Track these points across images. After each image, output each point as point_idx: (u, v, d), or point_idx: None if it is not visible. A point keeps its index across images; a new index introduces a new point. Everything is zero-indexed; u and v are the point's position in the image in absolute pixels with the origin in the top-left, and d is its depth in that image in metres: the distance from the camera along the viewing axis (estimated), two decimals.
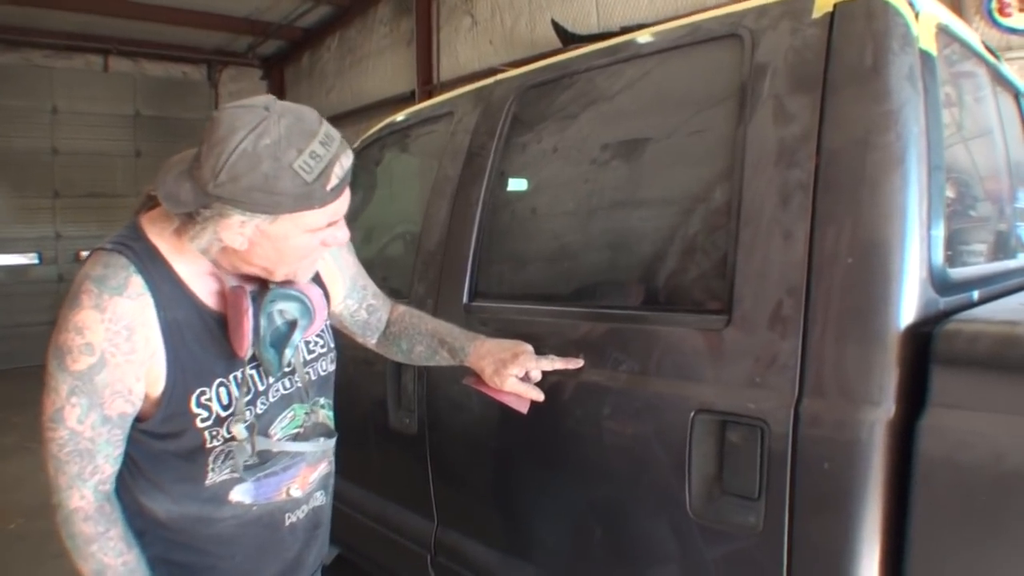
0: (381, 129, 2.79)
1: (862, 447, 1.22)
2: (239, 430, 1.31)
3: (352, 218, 1.32)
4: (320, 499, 1.53)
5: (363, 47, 9.07)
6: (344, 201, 1.22)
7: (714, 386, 1.40)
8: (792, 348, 1.30)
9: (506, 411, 1.63)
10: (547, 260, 1.94)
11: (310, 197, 1.15)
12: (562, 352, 1.63)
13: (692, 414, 1.42)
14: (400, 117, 2.74)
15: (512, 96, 2.11)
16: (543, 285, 1.93)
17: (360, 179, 2.91)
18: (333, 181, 1.16)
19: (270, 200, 1.13)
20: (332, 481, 1.58)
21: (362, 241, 2.83)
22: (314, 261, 1.34)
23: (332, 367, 1.54)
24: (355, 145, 2.85)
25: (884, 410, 1.21)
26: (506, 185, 2.06)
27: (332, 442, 1.52)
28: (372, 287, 1.70)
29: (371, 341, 1.73)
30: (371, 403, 2.41)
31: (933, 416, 1.17)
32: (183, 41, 9.85)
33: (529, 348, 1.56)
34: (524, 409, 1.56)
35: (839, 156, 1.31)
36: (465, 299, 2.05)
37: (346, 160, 1.18)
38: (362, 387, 2.47)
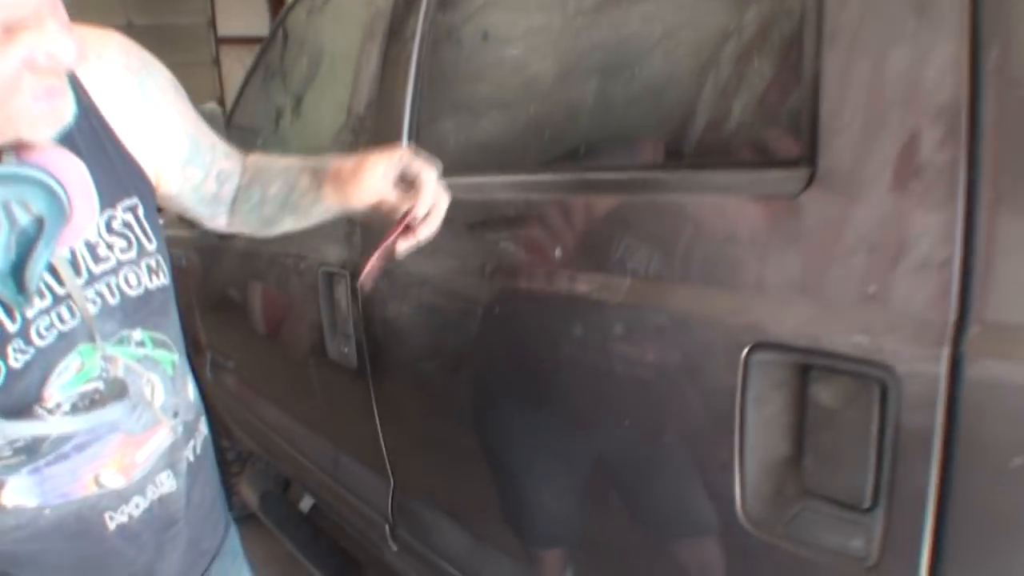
0: None
1: None
2: None
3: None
4: (169, 484, 0.99)
5: None
6: None
7: (784, 302, 0.76)
8: (944, 226, 0.66)
9: (470, 337, 1.11)
10: (507, 106, 1.27)
11: None
12: (537, 247, 1.01)
13: (745, 351, 0.78)
14: None
15: None
16: (504, 144, 1.27)
17: (293, 33, 2.24)
18: None
19: None
20: (198, 454, 1.05)
21: (291, 116, 2.18)
22: (33, 105, 0.73)
23: (159, 281, 0.94)
24: None
25: None
26: (447, 3, 1.38)
27: (162, 401, 0.95)
28: (223, 146, 1.10)
29: (222, 220, 1.14)
30: (307, 324, 1.81)
31: None
32: None
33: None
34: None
35: None
36: None
37: None
38: (294, 299, 1.87)
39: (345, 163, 1.02)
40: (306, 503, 2.75)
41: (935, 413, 0.66)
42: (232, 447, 3.09)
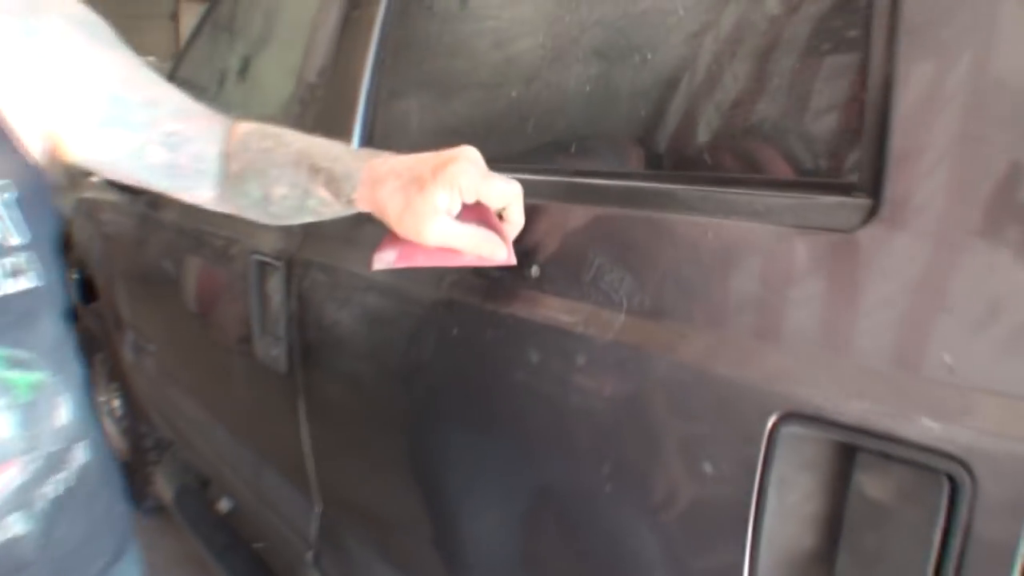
0: None
1: None
2: None
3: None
4: (19, 527, 0.79)
5: None
6: None
7: (829, 364, 0.60)
8: None
9: (419, 357, 0.95)
10: (484, 87, 1.09)
11: None
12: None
13: (771, 421, 0.62)
14: None
15: None
16: (477, 132, 1.08)
17: None
18: None
19: None
20: (70, 486, 0.85)
21: (236, 78, 1.97)
22: None
23: (23, 284, 0.75)
24: None
25: None
26: None
27: (8, 435, 0.75)
28: (171, 104, 0.87)
29: (203, 194, 0.91)
30: (234, 317, 1.61)
31: None
32: None
33: (474, 152, 0.78)
34: (502, 259, 0.77)
35: None
36: None
37: None
38: (222, 286, 1.67)
39: (383, 181, 0.78)
40: (226, 504, 2.54)
41: (1022, 523, 0.51)
42: (151, 433, 2.87)
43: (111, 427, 3.32)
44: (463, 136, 1.08)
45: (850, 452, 0.59)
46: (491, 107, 1.06)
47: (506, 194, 0.77)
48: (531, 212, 0.84)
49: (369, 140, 1.23)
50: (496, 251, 0.75)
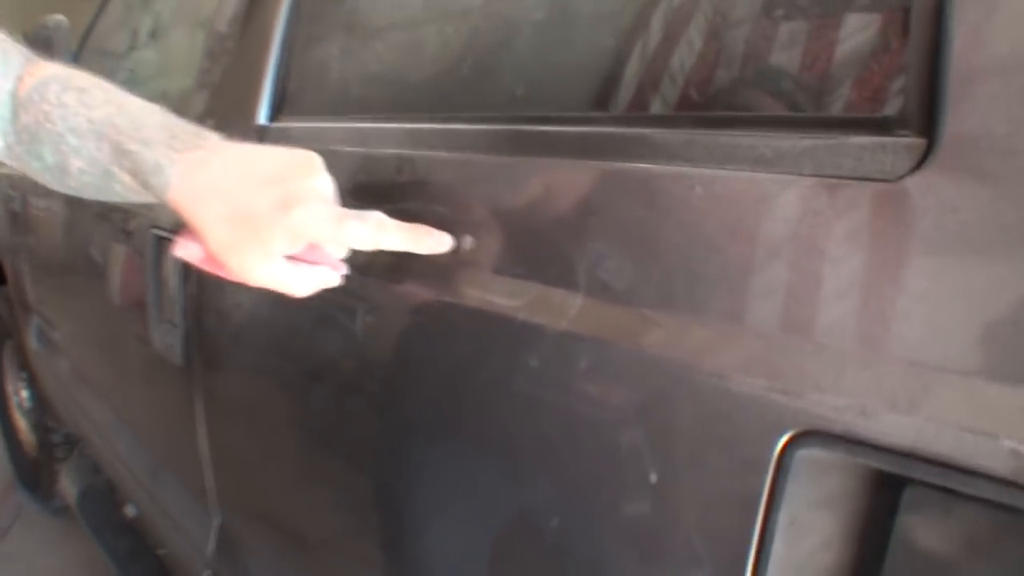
0: None
1: None
2: None
3: None
4: None
5: None
6: None
7: (864, 364, 0.43)
8: None
9: (333, 348, 0.83)
10: (416, 24, 0.90)
11: None
12: (438, 229, 0.67)
13: (781, 442, 0.45)
14: None
15: None
16: (408, 78, 0.90)
17: None
18: None
19: None
20: None
21: (147, 36, 1.75)
22: None
23: None
24: None
25: None
26: None
27: None
28: None
29: None
30: (131, 300, 1.41)
31: None
32: None
33: (324, 181, 0.64)
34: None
35: None
36: (262, 115, 1.05)
37: None
38: (120, 266, 1.47)
39: (202, 189, 0.63)
40: (132, 508, 2.33)
41: None
42: (58, 428, 2.64)
43: (20, 420, 3.07)
44: (390, 84, 0.91)
45: (894, 484, 0.42)
46: (422, 48, 0.88)
47: (364, 242, 0.64)
48: (467, 168, 0.66)
49: (282, 94, 1.05)
50: (330, 280, 0.69)
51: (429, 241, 0.66)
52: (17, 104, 0.67)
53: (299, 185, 0.61)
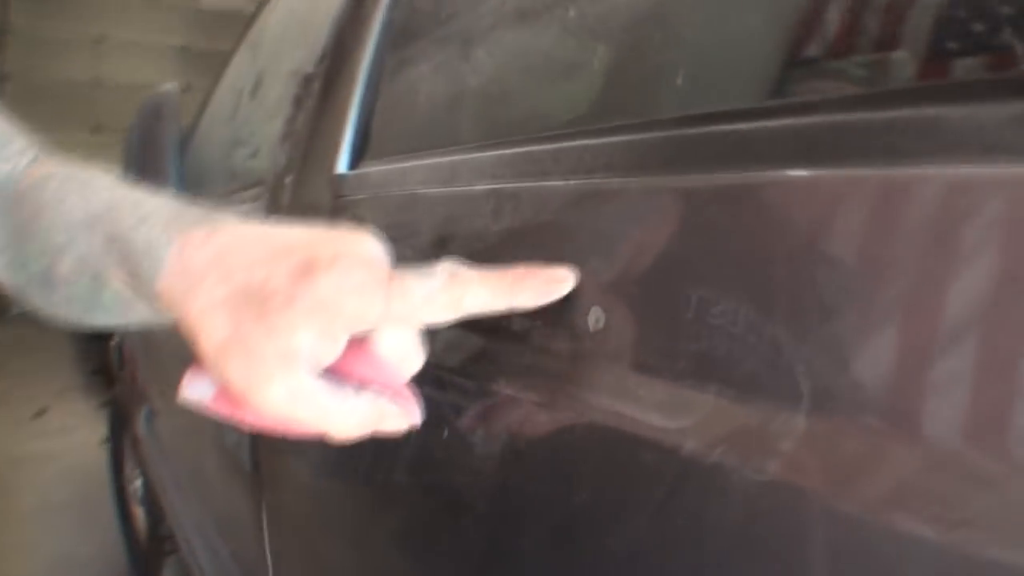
0: None
1: None
2: None
3: None
4: None
5: None
6: None
7: None
8: None
9: (418, 449, 0.57)
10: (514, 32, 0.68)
11: None
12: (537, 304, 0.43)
13: None
14: None
15: None
16: (506, 93, 0.67)
17: None
18: None
19: None
20: None
21: (248, 97, 1.62)
22: None
23: None
24: None
25: None
26: None
27: None
28: None
29: None
30: None
31: None
32: None
33: (369, 245, 0.42)
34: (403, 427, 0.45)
35: None
36: (342, 162, 0.85)
37: None
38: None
39: (199, 265, 0.43)
40: None
41: None
42: (165, 519, 2.52)
43: (137, 509, 2.97)
44: (486, 100, 0.69)
45: None
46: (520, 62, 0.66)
47: (434, 309, 0.42)
48: (596, 199, 0.42)
49: (365, 135, 0.85)
50: (395, 422, 0.44)
51: (532, 284, 0.42)
52: (14, 194, 0.51)
53: (330, 248, 0.41)
